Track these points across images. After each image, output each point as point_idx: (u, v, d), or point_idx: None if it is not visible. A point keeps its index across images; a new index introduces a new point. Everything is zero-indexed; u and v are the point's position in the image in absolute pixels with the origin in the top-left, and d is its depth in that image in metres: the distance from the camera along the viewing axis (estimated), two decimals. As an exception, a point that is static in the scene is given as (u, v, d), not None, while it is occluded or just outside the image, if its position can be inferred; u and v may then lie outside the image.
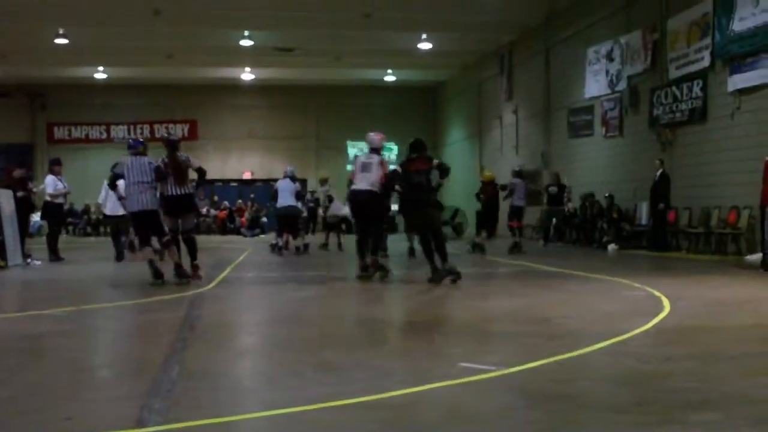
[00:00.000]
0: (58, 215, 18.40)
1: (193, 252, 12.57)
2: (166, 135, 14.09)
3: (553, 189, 24.04)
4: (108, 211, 17.90)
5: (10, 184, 17.03)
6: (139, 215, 12.21)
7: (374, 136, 13.40)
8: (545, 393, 4.93)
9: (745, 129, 17.23)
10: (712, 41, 18.28)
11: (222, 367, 5.85)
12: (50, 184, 17.62)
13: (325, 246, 21.58)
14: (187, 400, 4.75)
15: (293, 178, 20.05)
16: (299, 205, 20.31)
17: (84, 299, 10.53)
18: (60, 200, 17.99)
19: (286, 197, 19.53)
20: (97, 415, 4.52)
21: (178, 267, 12.28)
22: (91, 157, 36.64)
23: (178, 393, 4.92)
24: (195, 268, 12.56)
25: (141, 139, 15.05)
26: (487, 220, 20.61)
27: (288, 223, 20.00)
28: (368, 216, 13.00)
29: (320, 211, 22.86)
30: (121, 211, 16.15)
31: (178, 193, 12.38)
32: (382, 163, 13.01)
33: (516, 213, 20.32)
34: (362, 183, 12.79)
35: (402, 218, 16.55)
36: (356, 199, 13.01)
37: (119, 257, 17.65)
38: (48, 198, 17.70)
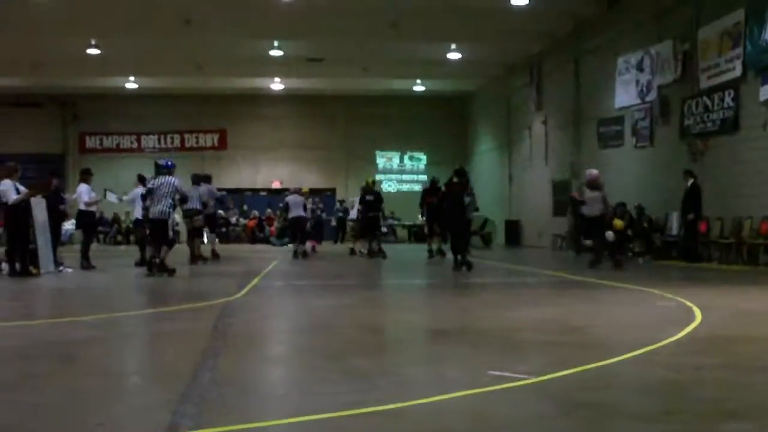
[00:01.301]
0: (91, 224, 18.63)
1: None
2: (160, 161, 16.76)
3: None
4: (138, 215, 18.21)
5: (46, 193, 17.20)
6: (156, 222, 15.57)
7: None
8: (575, 401, 4.91)
9: (777, 139, 17.12)
10: (743, 51, 18.17)
11: (252, 374, 5.89)
12: (84, 193, 17.81)
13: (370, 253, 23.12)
14: (218, 406, 4.78)
15: (300, 194, 23.61)
16: (306, 215, 23.51)
17: (115, 306, 10.62)
18: (93, 209, 18.20)
19: (296, 209, 22.88)
20: (129, 421, 4.56)
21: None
22: (122, 166, 36.90)
23: (210, 399, 4.96)
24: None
25: (172, 161, 16.68)
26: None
27: (299, 230, 23.29)
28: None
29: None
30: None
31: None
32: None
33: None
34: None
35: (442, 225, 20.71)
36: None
37: (142, 263, 17.81)
38: (83, 207, 17.89)
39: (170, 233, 15.73)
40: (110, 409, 4.82)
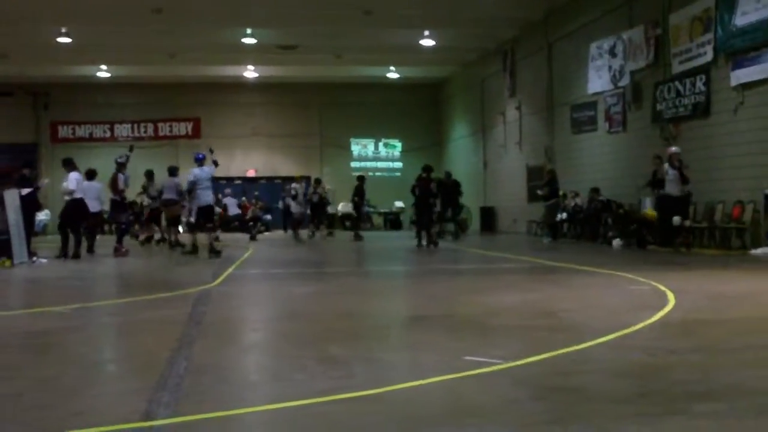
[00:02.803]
0: (83, 212, 18.70)
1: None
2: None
3: (556, 185, 24.07)
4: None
5: (17, 182, 17.11)
6: (204, 209, 17.99)
7: None
8: (550, 385, 4.96)
9: (749, 124, 17.24)
10: (714, 36, 18.28)
11: (228, 362, 5.90)
12: (73, 181, 17.90)
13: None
14: (194, 394, 4.79)
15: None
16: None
17: (90, 296, 10.59)
18: (79, 195, 18.19)
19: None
20: (105, 409, 4.56)
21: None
22: (95, 155, 36.58)
23: (186, 387, 4.97)
24: None
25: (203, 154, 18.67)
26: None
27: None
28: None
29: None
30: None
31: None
32: None
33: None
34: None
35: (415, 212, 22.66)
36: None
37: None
38: (77, 195, 18.00)
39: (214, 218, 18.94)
40: (86, 398, 4.82)
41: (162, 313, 8.76)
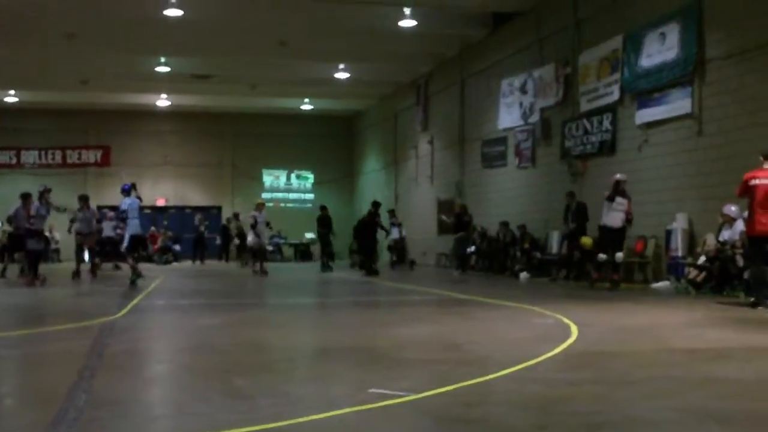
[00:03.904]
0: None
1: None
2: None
3: (466, 218, 24.42)
4: None
5: None
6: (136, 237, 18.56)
7: None
8: (453, 417, 5.00)
9: (652, 161, 17.74)
10: (621, 76, 18.80)
11: (130, 395, 5.79)
12: None
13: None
14: (93, 428, 4.70)
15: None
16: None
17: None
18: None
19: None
20: (-2, 443, 4.44)
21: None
22: (0, 182, 35.86)
23: (85, 421, 4.87)
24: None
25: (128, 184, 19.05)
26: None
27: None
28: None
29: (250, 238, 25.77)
30: None
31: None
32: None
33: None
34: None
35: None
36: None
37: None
38: None
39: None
40: (-21, 432, 4.69)
41: (63, 345, 8.55)
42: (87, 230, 21.53)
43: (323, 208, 27.61)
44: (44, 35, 25.40)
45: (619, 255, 16.48)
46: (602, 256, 16.59)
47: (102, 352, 7.89)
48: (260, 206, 24.66)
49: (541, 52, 22.53)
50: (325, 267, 26.07)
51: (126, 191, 18.68)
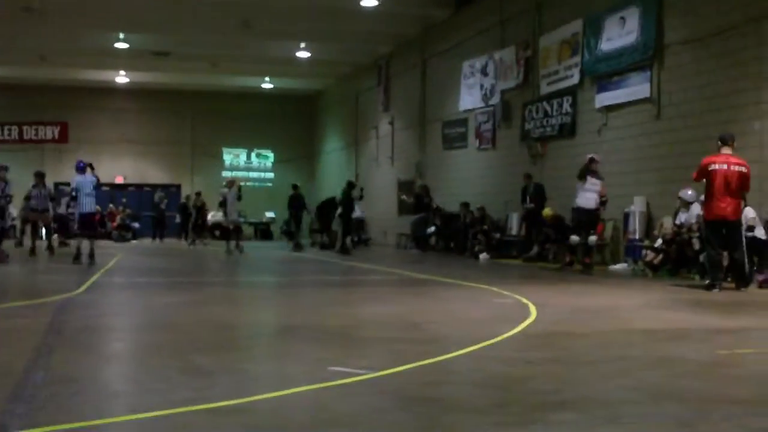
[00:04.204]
0: None
1: None
2: None
3: (426, 200, 24.58)
4: None
5: None
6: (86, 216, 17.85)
7: None
8: (412, 396, 5.02)
9: (612, 144, 17.87)
10: (581, 59, 18.90)
11: (88, 372, 5.76)
12: None
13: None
14: (51, 405, 4.66)
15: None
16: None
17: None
18: None
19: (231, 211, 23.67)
20: (-46, 420, 4.39)
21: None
22: (-46, 158, 35.29)
23: (42, 398, 4.83)
24: None
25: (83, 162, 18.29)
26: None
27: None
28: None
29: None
30: None
31: None
32: None
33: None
34: None
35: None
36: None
37: None
38: None
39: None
40: (-66, 408, 4.63)
41: (20, 322, 8.47)
42: (41, 207, 21.21)
43: (295, 187, 27.55)
44: (1, 9, 24.97)
45: (592, 238, 16.12)
46: (575, 238, 16.12)
47: (60, 329, 7.83)
48: (230, 183, 24.13)
49: (502, 34, 22.57)
50: (297, 247, 26.01)
51: (80, 169, 18.08)
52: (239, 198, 23.56)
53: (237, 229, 24.20)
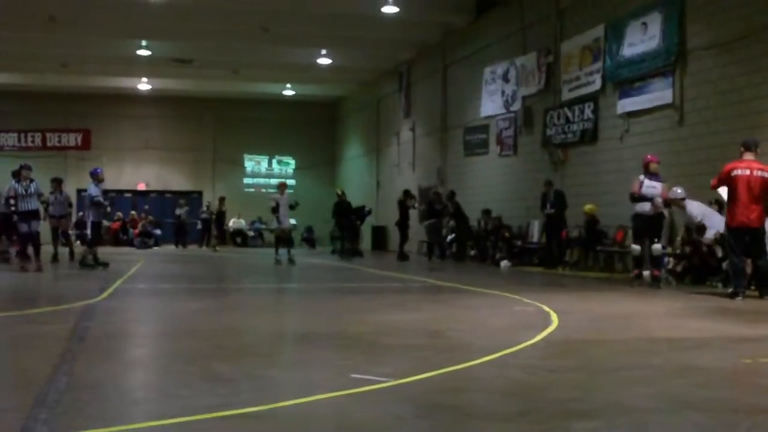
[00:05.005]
0: None
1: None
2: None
3: (438, 206, 24.59)
4: None
5: None
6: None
7: None
8: (434, 403, 5.01)
9: (633, 151, 17.79)
10: (603, 65, 18.84)
11: (111, 378, 5.78)
12: None
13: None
14: (74, 411, 4.68)
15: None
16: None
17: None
18: None
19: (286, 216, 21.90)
20: (-22, 426, 4.42)
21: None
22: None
23: (66, 404, 4.84)
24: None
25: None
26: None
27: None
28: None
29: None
30: None
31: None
32: None
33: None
34: None
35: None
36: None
37: None
38: None
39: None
40: (-41, 414, 4.66)
41: (44, 328, 8.52)
42: (59, 213, 21.18)
43: (341, 194, 27.03)
44: (25, 18, 25.19)
45: (656, 246, 14.04)
46: (636, 247, 14.35)
47: (83, 335, 7.86)
48: (282, 187, 22.56)
49: (523, 40, 22.54)
50: (347, 253, 25.69)
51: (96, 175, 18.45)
52: (294, 205, 22.10)
53: (288, 238, 22.56)
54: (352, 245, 25.70)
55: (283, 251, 21.74)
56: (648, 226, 14.11)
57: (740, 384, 5.86)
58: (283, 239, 22.24)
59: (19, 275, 16.19)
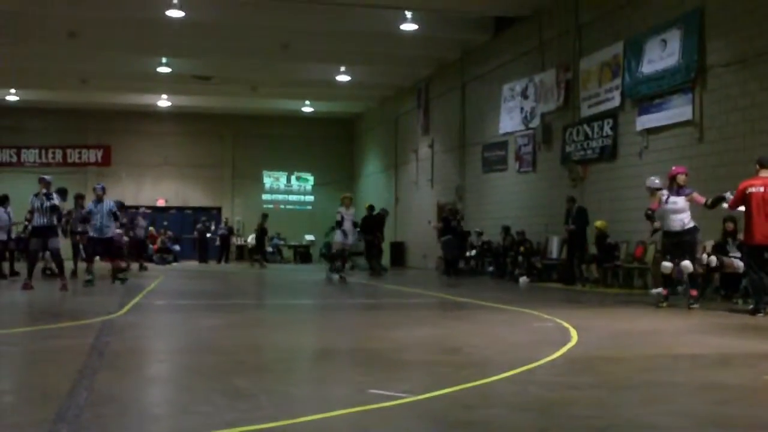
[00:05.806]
0: None
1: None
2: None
3: (454, 223, 24.71)
4: None
5: None
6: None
7: None
8: (452, 420, 5.00)
9: (653, 167, 17.68)
10: (622, 82, 18.82)
11: (131, 394, 5.80)
12: None
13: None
14: (95, 426, 4.70)
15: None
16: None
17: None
18: None
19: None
20: (0, 439, 4.44)
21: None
22: (0, 180, 35.83)
23: (86, 419, 4.87)
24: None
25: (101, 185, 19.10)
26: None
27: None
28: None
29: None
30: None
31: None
32: None
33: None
34: None
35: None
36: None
37: None
38: None
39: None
40: (-19, 428, 4.69)
41: (64, 342, 8.56)
42: (82, 229, 21.11)
43: (371, 208, 26.73)
44: (46, 34, 25.43)
45: (685, 263, 13.02)
46: (667, 265, 13.36)
47: (103, 350, 7.89)
48: (347, 201, 21.56)
49: (542, 57, 22.54)
50: (376, 272, 25.31)
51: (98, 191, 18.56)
52: (355, 223, 21.39)
53: (344, 255, 21.80)
54: (371, 263, 25.66)
55: (332, 270, 21.62)
56: (677, 243, 13.19)
57: (762, 401, 5.82)
58: (341, 256, 21.62)
59: (33, 292, 16.20)
